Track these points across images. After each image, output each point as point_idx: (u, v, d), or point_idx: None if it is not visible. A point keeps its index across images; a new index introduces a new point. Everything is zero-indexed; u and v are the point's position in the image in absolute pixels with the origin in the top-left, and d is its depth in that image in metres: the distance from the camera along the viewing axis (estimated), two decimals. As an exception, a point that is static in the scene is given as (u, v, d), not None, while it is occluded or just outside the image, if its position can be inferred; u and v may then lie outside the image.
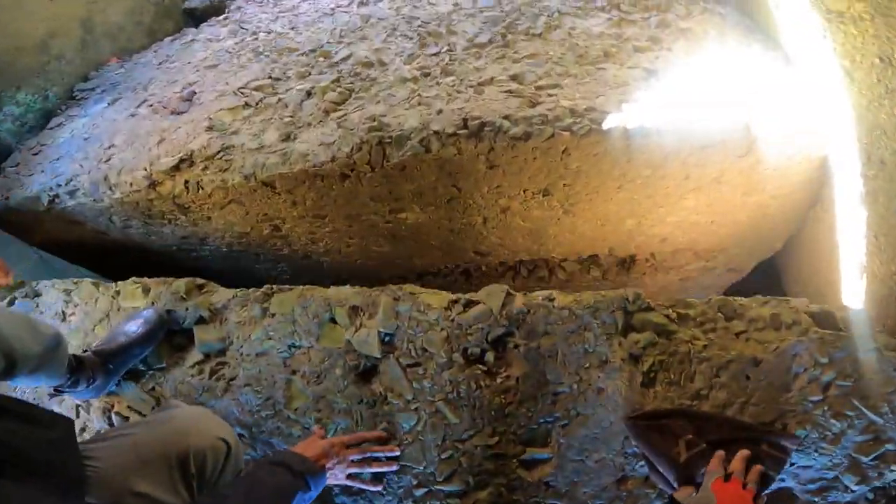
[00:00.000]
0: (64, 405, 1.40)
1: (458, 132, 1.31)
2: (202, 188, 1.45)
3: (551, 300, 1.05)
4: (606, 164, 1.39)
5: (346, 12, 1.96)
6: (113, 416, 1.36)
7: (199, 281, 1.29)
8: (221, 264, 1.84)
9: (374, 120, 1.41)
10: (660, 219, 1.62)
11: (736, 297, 1.12)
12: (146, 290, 1.29)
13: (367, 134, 1.37)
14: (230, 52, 1.85)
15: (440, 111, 1.37)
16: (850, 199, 1.34)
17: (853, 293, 1.35)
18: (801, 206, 1.62)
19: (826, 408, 0.99)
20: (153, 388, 1.31)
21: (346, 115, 1.49)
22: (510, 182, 1.43)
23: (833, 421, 0.99)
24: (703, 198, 1.55)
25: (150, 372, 1.30)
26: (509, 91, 1.42)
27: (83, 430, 1.37)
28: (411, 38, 1.78)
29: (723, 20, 1.73)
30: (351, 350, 1.14)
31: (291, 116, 1.53)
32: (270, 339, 1.19)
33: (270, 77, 1.68)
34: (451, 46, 1.70)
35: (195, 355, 1.27)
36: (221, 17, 2.13)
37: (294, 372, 1.20)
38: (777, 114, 1.39)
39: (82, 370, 1.20)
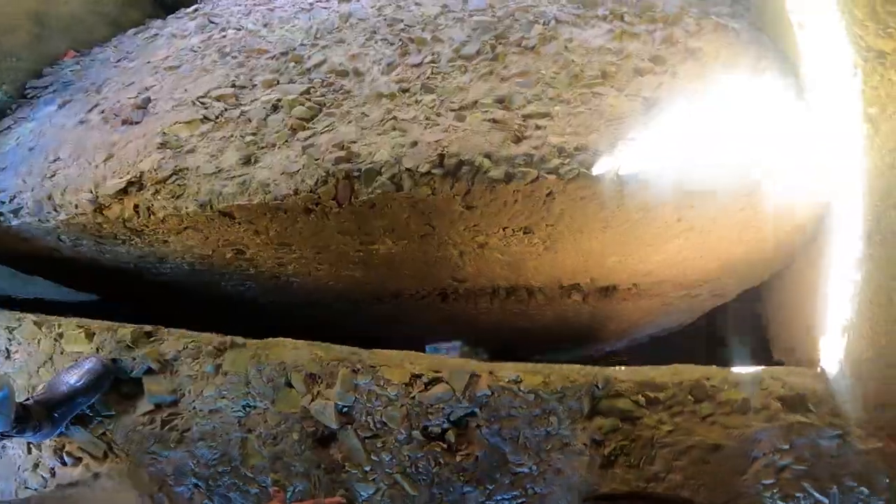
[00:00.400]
0: (14, 440, 1.34)
1: (432, 171, 1.19)
2: (154, 213, 1.33)
3: (517, 382, 0.97)
4: (593, 207, 1.27)
5: (325, 8, 1.78)
6: (64, 456, 1.30)
7: (147, 328, 1.20)
8: (186, 279, 1.74)
9: (343, 148, 1.28)
10: (646, 256, 1.52)
11: (710, 375, 1.05)
12: (90, 335, 1.20)
13: (333, 165, 1.24)
14: (194, 52, 1.69)
15: (415, 143, 1.24)
16: (848, 256, 1.23)
17: (834, 347, 1.29)
18: (795, 244, 1.53)
19: (776, 490, 0.99)
20: (103, 434, 1.24)
21: (314, 135, 1.36)
22: (488, 222, 1.31)
23: (780, 503, 0.99)
24: (694, 237, 1.45)
25: (99, 418, 1.23)
26: (493, 120, 1.28)
27: (36, 465, 1.32)
28: (392, 44, 1.62)
29: (736, 38, 1.57)
30: (308, 416, 1.06)
31: (254, 134, 1.39)
32: (224, 398, 1.11)
33: (234, 85, 1.53)
34: (434, 57, 1.54)
35: (146, 404, 1.19)
36: (191, 9, 1.94)
37: (249, 431, 1.12)
38: (785, 154, 1.27)
39: (28, 419, 1.15)
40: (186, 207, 1.30)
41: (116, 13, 1.95)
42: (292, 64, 1.60)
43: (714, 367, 1.08)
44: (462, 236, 1.37)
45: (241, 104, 1.48)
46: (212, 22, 1.80)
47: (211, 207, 1.29)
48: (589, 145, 1.21)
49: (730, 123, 1.29)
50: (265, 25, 1.76)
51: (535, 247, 1.44)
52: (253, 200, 1.27)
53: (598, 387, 0.97)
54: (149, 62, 1.68)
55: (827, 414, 1.05)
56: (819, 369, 1.27)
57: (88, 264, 1.60)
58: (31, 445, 1.33)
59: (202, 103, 1.48)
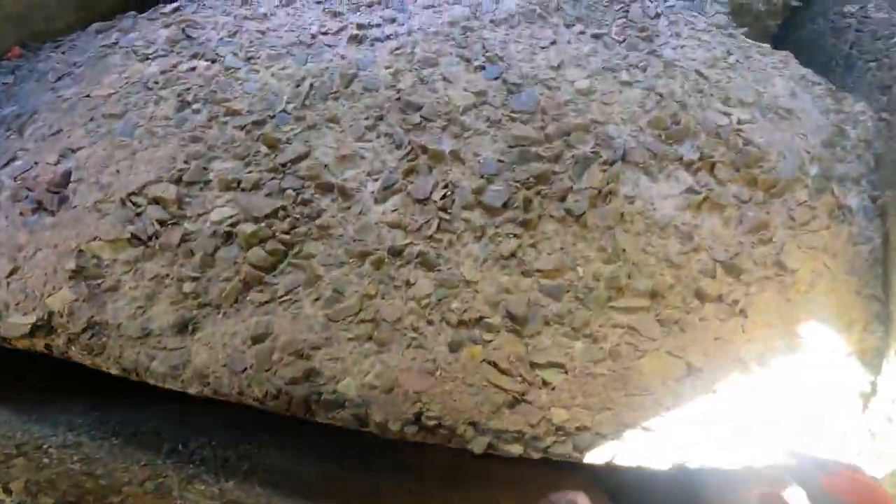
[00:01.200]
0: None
1: (405, 428, 0.96)
2: (71, 358, 1.11)
3: None
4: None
5: (329, 46, 1.28)
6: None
7: (71, 498, 1.07)
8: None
9: (302, 356, 1.01)
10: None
11: None
12: (7, 491, 1.07)
13: (287, 385, 0.99)
14: (149, 90, 1.23)
15: (391, 388, 0.97)
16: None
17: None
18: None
19: None
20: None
21: (270, 301, 1.07)
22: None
23: None
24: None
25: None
26: (494, 365, 1.00)
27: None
28: (398, 147, 1.20)
29: (848, 244, 1.18)
30: None
31: (195, 279, 1.09)
32: None
33: (181, 179, 1.15)
34: (447, 193, 1.15)
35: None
36: (170, 8, 1.38)
37: None
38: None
39: None
40: (108, 367, 1.07)
41: (85, -3, 1.40)
42: (264, 149, 1.20)
43: None
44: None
45: (185, 217, 1.13)
46: (187, 35, 1.29)
47: (137, 375, 1.07)
48: (594, 427, 0.97)
49: (781, 418, 1.04)
50: (248, 59, 1.27)
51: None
52: (187, 389, 1.04)
53: None
54: (88, 96, 1.23)
55: None
56: None
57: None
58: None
59: (134, 205, 1.12)
